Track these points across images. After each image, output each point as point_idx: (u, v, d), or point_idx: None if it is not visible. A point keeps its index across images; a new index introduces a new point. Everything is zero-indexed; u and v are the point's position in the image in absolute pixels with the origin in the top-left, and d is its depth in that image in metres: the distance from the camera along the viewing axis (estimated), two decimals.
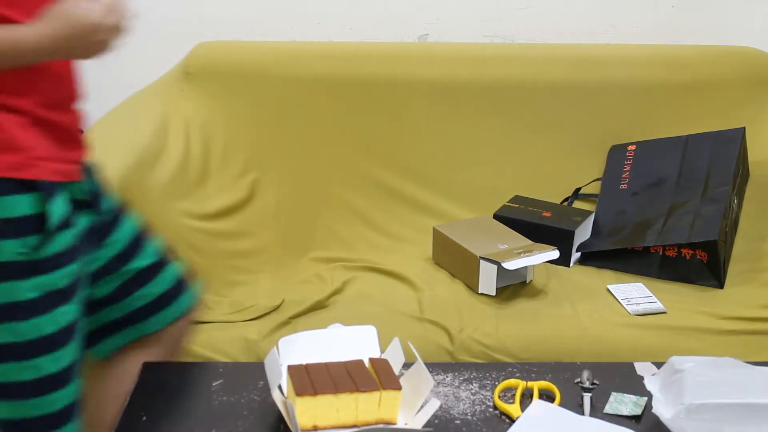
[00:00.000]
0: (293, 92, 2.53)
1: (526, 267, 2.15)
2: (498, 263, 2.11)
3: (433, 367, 1.62)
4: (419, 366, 1.53)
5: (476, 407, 1.56)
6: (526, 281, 2.22)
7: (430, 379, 1.50)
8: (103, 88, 2.74)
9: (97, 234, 1.66)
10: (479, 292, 2.17)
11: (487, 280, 2.16)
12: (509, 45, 2.74)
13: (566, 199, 2.57)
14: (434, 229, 2.33)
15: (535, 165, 2.61)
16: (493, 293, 2.16)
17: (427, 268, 2.33)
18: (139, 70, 2.67)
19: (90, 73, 2.73)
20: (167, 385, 1.66)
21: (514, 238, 2.25)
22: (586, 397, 1.57)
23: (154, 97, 2.45)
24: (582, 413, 1.55)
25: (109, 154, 2.04)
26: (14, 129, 1.48)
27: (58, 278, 1.52)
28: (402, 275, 2.28)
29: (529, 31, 2.74)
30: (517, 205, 2.45)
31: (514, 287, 2.21)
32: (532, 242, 2.23)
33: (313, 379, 1.48)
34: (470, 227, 2.32)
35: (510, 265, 2.10)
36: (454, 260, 2.24)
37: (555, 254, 2.17)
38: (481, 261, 2.15)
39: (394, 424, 1.48)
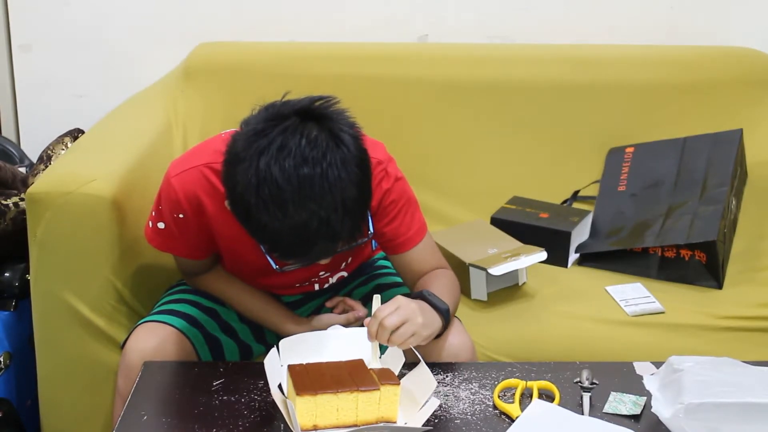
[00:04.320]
0: (293, 92, 2.52)
1: (516, 270, 2.15)
2: (485, 269, 2.11)
3: (433, 367, 1.62)
4: (421, 367, 1.53)
5: (476, 407, 1.57)
6: (519, 284, 2.22)
7: (433, 379, 1.50)
8: (103, 88, 2.75)
9: None
10: (472, 297, 2.17)
11: (478, 285, 2.15)
12: (509, 45, 2.73)
13: (565, 201, 2.57)
14: None
15: (533, 166, 2.61)
16: (485, 298, 2.15)
17: None
18: (139, 70, 2.68)
19: (91, 73, 2.76)
20: (167, 385, 1.67)
21: (505, 242, 2.24)
22: (586, 397, 1.58)
23: (154, 97, 2.45)
24: (581, 413, 1.55)
25: (110, 154, 2.04)
26: None
27: None
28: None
29: (529, 31, 2.74)
30: (514, 207, 2.44)
31: (509, 290, 2.20)
32: (521, 245, 2.23)
33: (313, 379, 1.48)
34: (462, 233, 2.32)
35: (496, 270, 2.10)
36: None
37: (543, 256, 2.17)
38: (470, 268, 2.15)
39: (394, 422, 1.49)
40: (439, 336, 1.70)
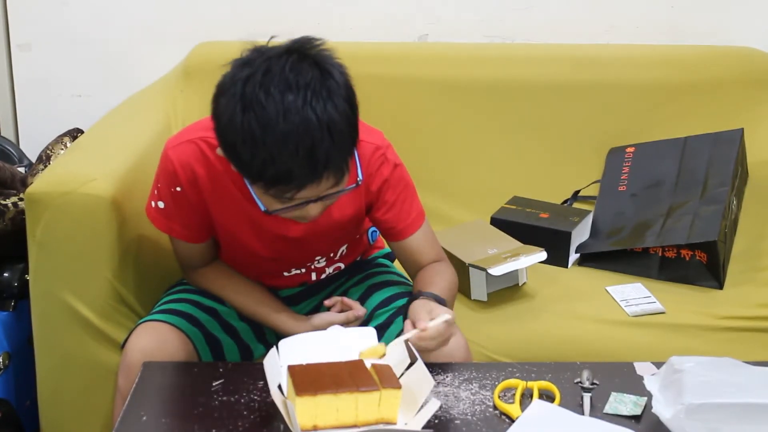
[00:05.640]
0: None
1: (516, 270, 2.15)
2: (485, 270, 2.11)
3: (433, 367, 1.61)
4: (419, 366, 1.53)
5: (476, 407, 1.56)
6: (519, 284, 2.21)
7: (431, 379, 1.50)
8: (102, 88, 2.75)
9: None
10: (472, 298, 2.17)
11: (478, 286, 2.15)
12: (509, 45, 2.74)
13: (565, 201, 2.57)
14: None
15: (534, 166, 2.61)
16: (485, 299, 2.15)
17: None
18: (139, 70, 2.68)
19: (90, 73, 2.76)
20: (167, 385, 1.66)
21: (505, 242, 2.24)
22: (586, 397, 1.57)
23: (153, 97, 2.45)
24: (582, 413, 1.55)
25: (109, 154, 2.04)
26: None
27: None
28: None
29: (529, 31, 2.74)
30: (514, 207, 2.44)
31: (509, 290, 2.20)
32: (521, 245, 2.22)
33: (313, 379, 1.48)
34: (462, 233, 2.32)
35: (496, 270, 2.09)
36: None
37: (542, 256, 2.17)
38: (470, 268, 2.14)
39: (394, 423, 1.48)
40: None
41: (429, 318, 1.63)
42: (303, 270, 1.90)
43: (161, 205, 1.78)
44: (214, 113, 1.55)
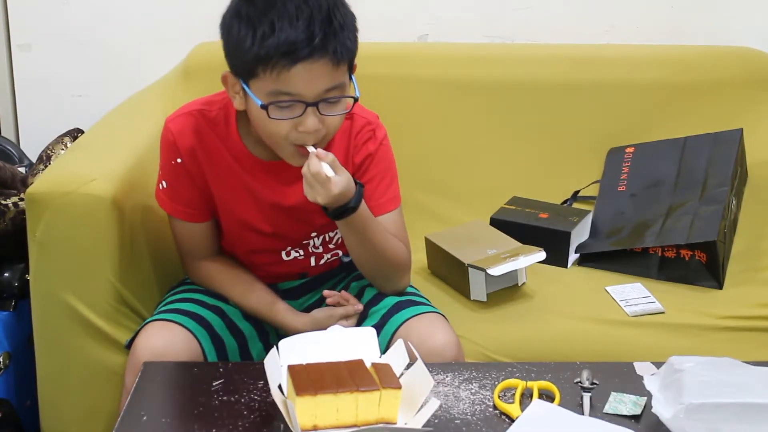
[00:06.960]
0: None
1: (515, 271, 2.15)
2: (484, 270, 2.11)
3: (433, 367, 1.62)
4: (419, 366, 1.53)
5: (476, 407, 1.57)
6: (518, 284, 2.21)
7: (430, 379, 1.50)
8: (102, 88, 2.75)
9: None
10: (471, 298, 2.17)
11: (478, 286, 2.15)
12: (509, 45, 2.74)
13: (565, 202, 2.57)
14: (426, 238, 2.31)
15: (534, 166, 2.61)
16: (484, 299, 2.15)
17: (423, 275, 2.31)
18: (139, 70, 2.68)
19: (90, 73, 2.76)
20: (167, 385, 1.67)
21: (504, 242, 2.24)
22: (586, 397, 1.58)
23: (153, 97, 2.45)
24: (582, 413, 1.55)
25: (110, 154, 2.04)
26: None
27: None
28: None
29: (529, 31, 2.74)
30: (514, 207, 2.44)
31: (509, 290, 2.20)
32: (520, 245, 2.22)
33: (313, 379, 1.48)
34: (461, 233, 2.32)
35: (495, 270, 2.10)
36: (447, 268, 2.24)
37: (541, 256, 2.17)
38: (469, 268, 2.15)
39: (394, 423, 1.48)
40: (350, 207, 1.71)
41: (327, 164, 1.66)
42: (301, 252, 1.90)
43: (165, 185, 1.83)
44: (221, 23, 1.71)
